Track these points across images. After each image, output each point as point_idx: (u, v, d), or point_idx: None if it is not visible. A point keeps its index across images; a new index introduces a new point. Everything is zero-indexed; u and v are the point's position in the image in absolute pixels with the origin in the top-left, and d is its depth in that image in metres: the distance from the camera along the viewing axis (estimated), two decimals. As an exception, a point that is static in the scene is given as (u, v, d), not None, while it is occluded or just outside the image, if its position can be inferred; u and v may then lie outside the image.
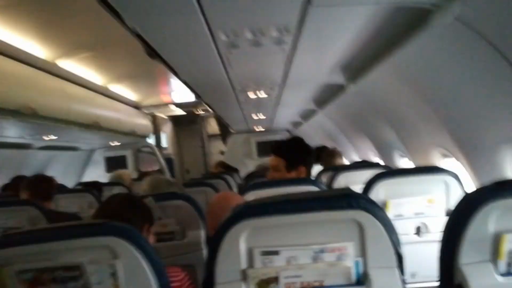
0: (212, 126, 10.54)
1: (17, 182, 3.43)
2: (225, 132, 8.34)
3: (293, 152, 2.13)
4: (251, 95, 3.19)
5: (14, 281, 0.95)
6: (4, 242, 0.98)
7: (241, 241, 0.96)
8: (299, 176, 2.09)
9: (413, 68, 2.35)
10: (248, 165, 6.84)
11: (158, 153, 8.02)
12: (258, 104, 3.79)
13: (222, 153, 9.54)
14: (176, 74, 2.32)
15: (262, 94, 3.17)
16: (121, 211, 1.39)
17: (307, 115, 5.35)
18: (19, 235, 1.02)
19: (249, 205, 0.98)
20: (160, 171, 7.84)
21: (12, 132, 4.11)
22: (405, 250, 1.00)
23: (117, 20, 1.49)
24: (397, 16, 1.94)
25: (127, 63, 5.21)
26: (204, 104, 8.12)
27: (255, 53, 1.97)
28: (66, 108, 4.10)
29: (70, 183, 5.49)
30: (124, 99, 6.52)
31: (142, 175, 6.94)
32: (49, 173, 4.67)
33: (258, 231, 0.97)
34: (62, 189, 3.56)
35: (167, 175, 7.39)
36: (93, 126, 4.90)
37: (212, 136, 10.83)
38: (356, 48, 2.39)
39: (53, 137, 4.87)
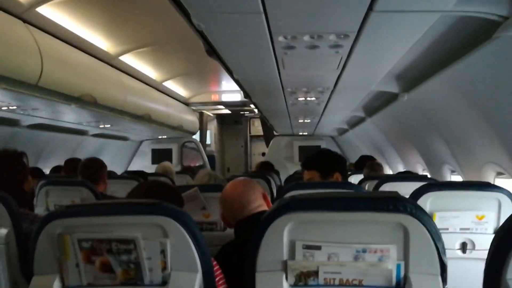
0: (256, 127, 10.64)
1: (70, 164, 3.66)
2: (268, 134, 8.40)
3: (325, 163, 2.17)
4: (300, 98, 3.20)
5: (75, 247, 1.04)
6: (69, 212, 1.07)
7: (285, 232, 0.99)
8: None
9: (472, 80, 2.28)
10: (289, 168, 6.84)
11: (202, 149, 8.22)
12: (306, 108, 3.80)
13: (263, 154, 9.61)
14: (230, 72, 2.39)
15: (311, 98, 3.18)
16: (149, 195, 1.42)
17: (354, 123, 5.28)
18: (82, 207, 1.11)
19: (296, 199, 1.01)
20: (202, 166, 8.04)
21: (72, 118, 4.40)
22: (448, 266, 0.99)
23: (184, 17, 1.58)
24: (462, 26, 1.89)
25: (181, 60, 5.41)
26: (251, 104, 8.23)
27: (310, 55, 1.99)
28: (123, 99, 4.32)
29: (118, 170, 5.76)
30: (175, 95, 6.76)
31: (185, 169, 7.16)
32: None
33: (302, 225, 1.00)
34: (112, 175, 3.75)
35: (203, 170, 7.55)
36: (144, 118, 5.13)
37: (255, 137, 10.93)
38: (414, 56, 2.35)
39: (107, 125, 5.14)
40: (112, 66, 4.27)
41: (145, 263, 1.04)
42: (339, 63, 2.27)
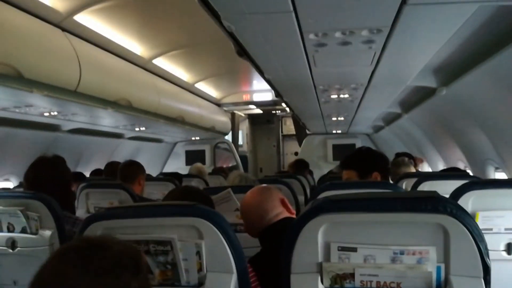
0: (288, 126, 10.60)
1: (110, 167, 3.79)
2: (300, 133, 8.34)
3: (363, 161, 2.10)
4: (333, 95, 3.16)
5: (114, 249, 1.07)
6: (109, 214, 1.11)
7: (319, 234, 0.98)
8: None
9: (514, 73, 2.16)
10: (323, 167, 6.76)
11: (234, 150, 8.28)
12: (339, 106, 3.74)
13: (296, 154, 9.55)
14: (261, 72, 2.39)
15: (344, 95, 3.13)
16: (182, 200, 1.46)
17: (390, 119, 5.14)
18: (121, 210, 1.14)
19: (330, 200, 0.99)
20: (235, 167, 8.09)
21: (108, 122, 4.55)
22: (493, 268, 0.94)
23: (214, 19, 1.59)
24: (499, 18, 1.80)
25: (213, 62, 5.47)
26: (282, 103, 8.20)
27: (342, 52, 1.95)
28: (157, 102, 4.42)
29: (153, 172, 5.90)
30: (207, 96, 6.85)
31: (217, 170, 7.23)
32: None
33: (337, 226, 0.98)
34: (148, 177, 3.85)
35: (241, 170, 7.61)
36: (178, 120, 5.22)
37: (287, 136, 10.88)
38: (452, 49, 2.26)
39: (143, 128, 5.28)
40: (146, 69, 4.38)
41: (182, 264, 1.06)
42: (373, 59, 2.21)
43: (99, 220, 1.06)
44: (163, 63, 4.73)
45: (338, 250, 0.98)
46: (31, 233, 1.80)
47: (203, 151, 8.00)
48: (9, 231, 1.85)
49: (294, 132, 9.59)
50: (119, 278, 0.67)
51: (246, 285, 1.08)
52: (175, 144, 7.90)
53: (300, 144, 8.31)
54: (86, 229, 1.06)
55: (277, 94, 3.21)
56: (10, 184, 3.88)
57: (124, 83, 3.73)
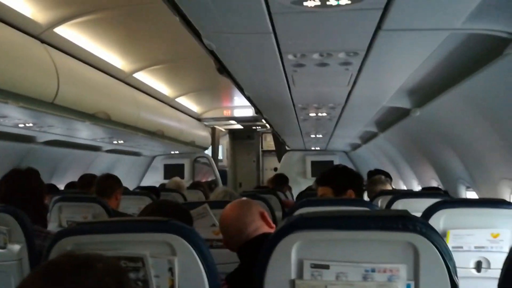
0: (268, 142, 10.66)
1: (84, 180, 3.72)
2: (280, 148, 8.40)
3: (338, 179, 2.14)
4: (312, 113, 3.22)
5: (85, 265, 1.05)
6: (79, 229, 1.09)
7: (293, 251, 0.99)
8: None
9: (484, 96, 2.26)
10: (301, 183, 6.80)
11: (214, 164, 8.25)
12: (317, 123, 3.80)
13: (275, 169, 9.58)
14: (241, 89, 2.42)
15: (322, 113, 3.19)
16: (158, 214, 1.40)
17: (367, 138, 5.25)
18: (92, 225, 1.13)
19: (304, 217, 1.01)
20: (214, 182, 8.05)
21: (86, 134, 4.48)
22: (462, 285, 0.97)
23: (195, 37, 1.61)
24: (471, 44, 1.88)
25: (194, 77, 5.49)
26: (262, 120, 8.26)
27: (319, 73, 2.00)
28: (136, 115, 4.39)
29: (131, 186, 5.82)
30: (188, 111, 6.84)
31: (196, 185, 7.18)
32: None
33: (310, 243, 0.99)
34: (125, 191, 3.79)
35: (220, 185, 7.57)
36: (157, 134, 5.19)
37: (267, 152, 10.93)
38: (426, 72, 2.34)
39: (121, 141, 5.22)
40: (126, 83, 4.36)
41: (153, 281, 1.05)
42: (349, 80, 2.28)
43: (69, 235, 1.04)
44: (144, 77, 4.71)
45: (311, 267, 0.99)
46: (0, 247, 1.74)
47: (182, 165, 7.94)
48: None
49: (273, 148, 9.66)
50: None
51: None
52: (153, 157, 7.82)
53: (279, 160, 8.36)
54: (55, 244, 1.04)
55: (257, 111, 3.25)
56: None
57: (103, 96, 3.69)
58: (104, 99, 3.69)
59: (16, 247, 1.72)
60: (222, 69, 2.05)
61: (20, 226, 1.71)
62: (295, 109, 3.09)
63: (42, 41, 2.93)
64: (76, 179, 4.15)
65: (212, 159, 8.27)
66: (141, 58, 4.27)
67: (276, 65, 1.88)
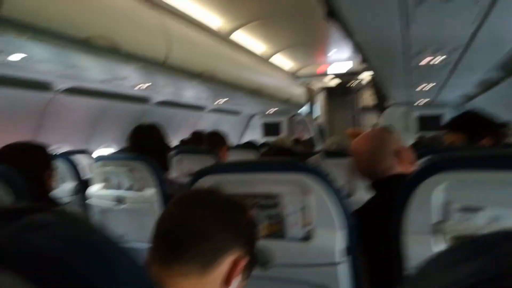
0: (366, 99, 10.20)
1: (196, 136, 3.98)
2: (380, 104, 7.98)
3: (473, 124, 1.88)
4: (425, 59, 2.94)
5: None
6: (219, 168, 1.16)
7: (437, 193, 0.93)
8: None
9: None
10: (406, 140, 6.43)
11: (310, 122, 8.20)
12: (429, 72, 3.48)
13: (375, 126, 9.19)
14: (350, 35, 2.29)
15: (438, 59, 2.90)
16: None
17: (486, 86, 4.68)
18: (229, 165, 1.19)
19: (451, 157, 0.93)
20: (311, 140, 8.03)
21: (192, 94, 4.73)
22: None
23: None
24: None
25: (289, 32, 5.40)
26: (361, 74, 7.87)
27: (443, 10, 1.79)
28: (236, 75, 4.50)
29: (233, 143, 6.07)
30: (283, 68, 6.81)
31: (295, 142, 7.23)
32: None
33: (458, 185, 0.91)
34: (231, 146, 4.00)
35: (318, 143, 7.53)
36: (256, 92, 5.28)
37: (366, 109, 10.49)
38: None
39: (223, 100, 5.43)
40: (226, 42, 4.46)
41: (288, 219, 1.08)
42: (477, 16, 2.00)
43: (210, 173, 1.11)
44: (242, 36, 4.78)
45: (459, 210, 0.92)
46: (137, 191, 1.96)
47: (279, 124, 8.04)
48: (118, 188, 2.04)
49: (373, 104, 9.22)
50: (231, 214, 0.74)
51: (353, 241, 1.07)
52: (252, 116, 8.03)
53: (379, 116, 7.97)
54: (197, 181, 1.12)
55: (364, 59, 3.07)
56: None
57: (207, 56, 3.83)
58: (208, 59, 3.83)
59: (150, 191, 1.92)
60: (332, 13, 1.94)
61: (152, 173, 1.90)
62: (406, 56, 2.86)
63: (152, 4, 3.09)
64: (186, 136, 4.47)
65: (307, 117, 8.22)
66: (239, 16, 4.30)
67: (394, 2, 1.72)
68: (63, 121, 3.58)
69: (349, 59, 7.26)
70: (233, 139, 7.41)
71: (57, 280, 0.27)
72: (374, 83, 5.62)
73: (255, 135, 7.99)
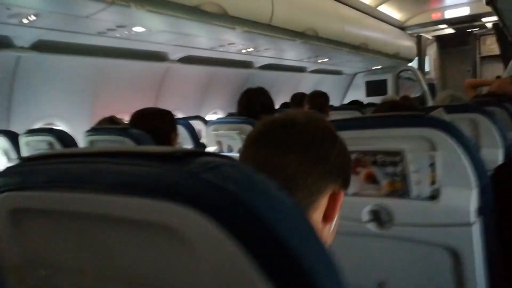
0: (488, 46, 8.97)
1: (297, 98, 3.96)
2: (507, 52, 6.96)
3: None
4: None
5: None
6: (337, 125, 1.12)
7: None
8: None
9: None
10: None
11: (420, 77, 7.56)
12: None
13: (499, 78, 8.10)
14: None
15: None
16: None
17: None
18: (348, 121, 1.15)
19: None
20: (421, 97, 7.43)
21: (293, 55, 4.69)
22: None
23: None
24: None
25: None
26: (482, 18, 6.91)
27: None
28: (340, 30, 4.30)
29: (334, 104, 5.91)
30: (390, 20, 6.33)
31: (403, 100, 6.77)
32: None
33: None
34: (333, 106, 3.90)
35: (429, 101, 6.94)
36: (361, 47, 5.01)
37: (487, 58, 9.23)
38: None
39: (325, 59, 5.28)
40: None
41: (412, 176, 1.02)
42: None
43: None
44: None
45: None
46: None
47: (384, 81, 7.56)
48: (229, 151, 2.16)
49: (496, 53, 8.09)
50: (320, 149, 0.66)
51: (488, 203, 0.98)
52: (354, 75, 7.69)
53: (506, 66, 6.98)
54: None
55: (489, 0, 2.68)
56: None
57: (309, 13, 3.73)
58: (310, 15, 3.73)
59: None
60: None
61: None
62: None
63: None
64: (286, 99, 4.48)
65: (418, 72, 7.57)
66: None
67: None
68: (176, 90, 3.86)
69: (465, 4, 6.42)
70: (336, 100, 7.23)
71: (234, 215, 0.30)
72: (498, 29, 4.89)
73: (359, 95, 7.66)
